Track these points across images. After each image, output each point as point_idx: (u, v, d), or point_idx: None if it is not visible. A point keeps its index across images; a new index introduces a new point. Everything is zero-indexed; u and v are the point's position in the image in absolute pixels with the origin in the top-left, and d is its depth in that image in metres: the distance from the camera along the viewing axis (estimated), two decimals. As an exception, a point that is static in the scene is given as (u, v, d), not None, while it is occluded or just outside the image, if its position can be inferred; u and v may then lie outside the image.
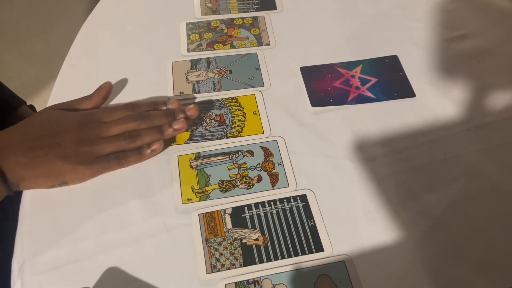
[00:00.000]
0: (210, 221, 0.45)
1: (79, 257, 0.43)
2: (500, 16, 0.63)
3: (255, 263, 0.42)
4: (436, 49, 0.59)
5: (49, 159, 0.45)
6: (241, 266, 0.42)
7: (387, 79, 0.56)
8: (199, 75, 0.57)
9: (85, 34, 0.63)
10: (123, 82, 0.57)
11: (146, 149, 0.48)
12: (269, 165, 0.49)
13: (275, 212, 0.46)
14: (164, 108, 0.51)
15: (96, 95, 0.52)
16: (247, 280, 0.41)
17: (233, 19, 0.63)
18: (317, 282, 0.41)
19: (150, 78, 0.57)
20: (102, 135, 0.48)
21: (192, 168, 0.49)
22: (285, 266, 0.42)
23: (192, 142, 0.51)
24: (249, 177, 0.48)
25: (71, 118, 0.49)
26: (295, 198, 0.46)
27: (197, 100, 0.55)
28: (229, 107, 0.54)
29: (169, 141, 0.51)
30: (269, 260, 0.43)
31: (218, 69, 0.58)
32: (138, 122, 0.49)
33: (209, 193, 0.47)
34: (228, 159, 0.49)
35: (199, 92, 0.55)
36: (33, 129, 0.47)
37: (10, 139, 0.46)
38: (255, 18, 0.64)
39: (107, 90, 0.53)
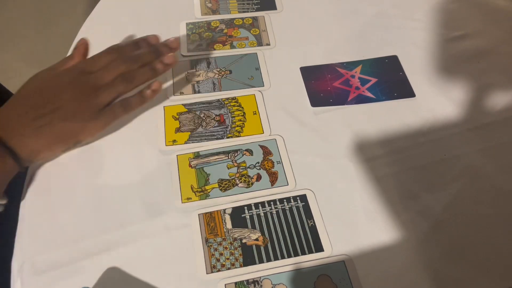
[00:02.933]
0: (210, 221, 0.45)
1: (79, 257, 0.43)
2: (500, 16, 0.63)
3: (255, 263, 0.42)
4: (436, 49, 0.59)
5: (55, 124, 0.44)
6: (241, 266, 0.42)
7: (387, 79, 0.56)
8: (199, 75, 0.57)
9: (85, 34, 0.63)
10: (123, 82, 0.57)
11: (146, 91, 0.49)
12: (268, 163, 0.49)
13: (275, 212, 0.46)
14: (146, 45, 0.52)
15: (76, 54, 0.52)
16: (247, 280, 0.41)
17: (233, 19, 0.63)
18: (317, 282, 0.41)
19: (150, 78, 0.57)
20: (98, 84, 0.47)
21: (191, 167, 0.49)
22: (285, 266, 0.42)
23: (192, 142, 0.51)
24: (249, 176, 0.48)
25: (61, 78, 0.48)
26: (295, 198, 0.46)
27: (197, 100, 0.55)
28: (229, 107, 0.54)
29: (169, 142, 0.51)
30: (269, 260, 0.43)
31: (218, 69, 0.58)
32: (128, 63, 0.49)
33: (209, 192, 0.47)
34: (227, 158, 0.49)
35: (199, 92, 0.55)
36: (29, 99, 0.46)
37: (10, 114, 0.45)
38: (255, 18, 0.64)
39: (85, 46, 0.53)
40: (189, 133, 0.52)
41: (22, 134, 0.44)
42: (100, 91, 0.47)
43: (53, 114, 0.44)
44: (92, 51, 0.61)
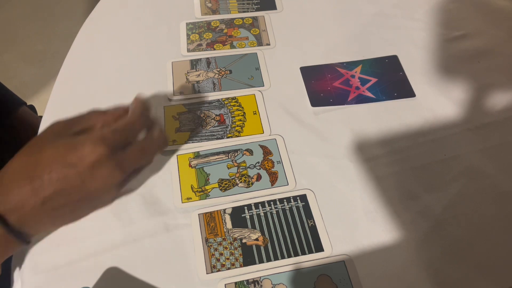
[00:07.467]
0: (210, 221, 0.45)
1: (79, 257, 0.43)
2: (500, 16, 0.63)
3: (255, 263, 0.42)
4: (436, 49, 0.59)
5: (76, 213, 0.39)
6: (241, 266, 0.42)
7: (387, 79, 0.56)
8: (199, 75, 0.57)
9: (85, 34, 0.63)
10: (123, 82, 0.57)
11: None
12: (268, 163, 0.49)
13: (275, 212, 0.46)
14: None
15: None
16: (247, 280, 0.41)
17: (233, 19, 0.63)
18: (317, 282, 0.41)
19: (150, 78, 0.57)
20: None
21: (192, 167, 0.49)
22: (285, 266, 0.42)
23: (192, 142, 0.51)
24: (249, 176, 0.48)
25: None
26: (295, 198, 0.46)
27: (197, 100, 0.55)
28: (229, 107, 0.54)
29: (169, 142, 0.51)
30: (269, 260, 0.43)
31: (218, 69, 0.58)
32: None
33: (209, 192, 0.47)
34: (227, 157, 0.49)
35: (199, 92, 0.55)
36: (49, 186, 0.36)
37: (25, 202, 0.36)
38: (255, 18, 0.64)
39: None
40: (189, 133, 0.52)
41: (41, 222, 0.37)
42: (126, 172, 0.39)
43: (78, 203, 0.38)
44: (92, 51, 0.61)
